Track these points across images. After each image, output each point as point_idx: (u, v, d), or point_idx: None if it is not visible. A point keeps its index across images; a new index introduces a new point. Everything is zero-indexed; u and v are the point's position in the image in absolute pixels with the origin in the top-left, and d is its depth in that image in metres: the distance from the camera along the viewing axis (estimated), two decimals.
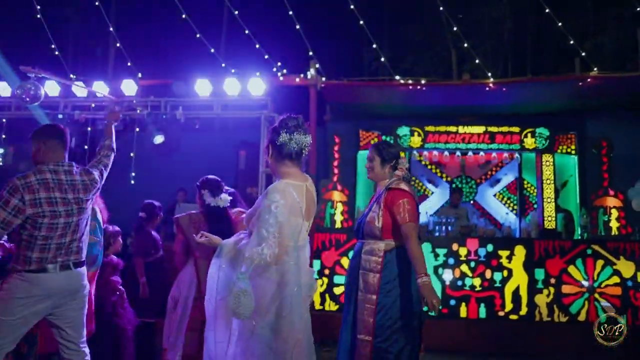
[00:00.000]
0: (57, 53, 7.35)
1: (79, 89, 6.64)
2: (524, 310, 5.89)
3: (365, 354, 3.06)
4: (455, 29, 8.02)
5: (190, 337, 3.71)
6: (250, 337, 2.42)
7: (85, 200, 3.03)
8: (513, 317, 5.90)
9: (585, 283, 5.88)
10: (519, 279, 5.95)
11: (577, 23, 11.64)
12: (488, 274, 5.98)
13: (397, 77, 7.32)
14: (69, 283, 2.93)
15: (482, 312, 5.92)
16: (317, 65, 6.84)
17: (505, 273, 5.97)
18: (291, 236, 2.48)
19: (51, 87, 6.53)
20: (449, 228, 7.27)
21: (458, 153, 8.41)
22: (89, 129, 6.62)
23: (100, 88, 6.55)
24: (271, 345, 2.42)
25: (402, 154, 3.39)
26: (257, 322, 2.41)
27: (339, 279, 6.04)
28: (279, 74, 6.89)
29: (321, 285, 6.09)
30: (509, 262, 5.99)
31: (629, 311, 5.78)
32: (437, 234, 7.27)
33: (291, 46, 8.07)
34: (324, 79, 6.91)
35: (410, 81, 7.19)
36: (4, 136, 6.95)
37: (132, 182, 6.55)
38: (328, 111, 8.63)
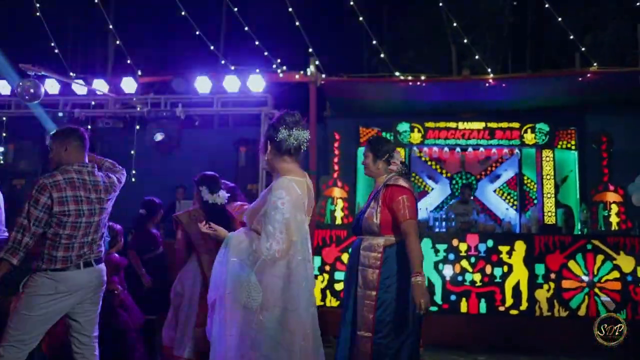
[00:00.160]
0: (56, 51, 7.35)
1: (79, 87, 6.65)
2: (524, 306, 5.90)
3: (365, 350, 3.06)
4: (455, 24, 8.00)
5: (200, 333, 3.73)
6: (257, 331, 2.43)
7: (106, 200, 3.13)
8: (513, 312, 5.91)
9: (586, 278, 5.89)
10: (519, 274, 5.96)
11: (577, 18, 11.62)
12: (488, 269, 5.99)
13: (397, 73, 7.31)
14: (91, 279, 3.03)
15: (483, 307, 5.93)
16: (317, 62, 6.84)
17: (506, 268, 5.98)
18: (297, 231, 2.50)
19: (51, 85, 6.54)
20: (452, 224, 7.27)
21: (458, 149, 8.41)
22: (89, 127, 6.63)
23: (100, 86, 6.56)
24: (278, 339, 2.44)
25: (398, 149, 3.39)
26: (265, 317, 2.43)
27: (340, 275, 6.05)
28: (279, 70, 6.89)
29: (322, 282, 6.10)
30: (509, 258, 6.00)
31: (629, 306, 5.78)
32: (437, 229, 7.28)
33: (291, 43, 8.06)
34: (323, 75, 6.91)
35: (410, 77, 7.18)
36: (4, 134, 6.96)
37: (133, 179, 6.56)
38: (328, 107, 8.64)
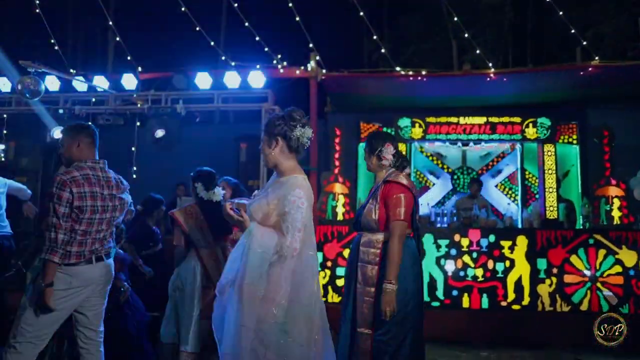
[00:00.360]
0: (56, 48, 7.33)
1: (79, 84, 6.64)
2: (526, 300, 5.90)
3: (365, 347, 3.06)
4: (455, 19, 7.96)
5: (204, 325, 3.73)
6: (271, 324, 2.45)
7: (117, 197, 3.17)
8: (515, 307, 5.91)
9: (588, 272, 5.88)
10: (521, 269, 5.96)
11: (578, 12, 11.57)
12: (490, 264, 5.99)
13: (398, 68, 7.29)
14: (103, 273, 3.08)
15: (485, 302, 5.93)
16: (318, 57, 6.82)
17: (508, 263, 5.98)
18: (310, 228, 2.57)
19: (51, 82, 6.53)
20: (454, 219, 7.26)
21: (459, 144, 8.39)
22: (90, 124, 6.60)
23: (101, 82, 6.54)
24: (291, 332, 2.46)
25: (388, 144, 3.29)
26: (278, 310, 2.45)
27: (341, 271, 6.05)
28: (279, 66, 6.87)
29: (324, 278, 6.10)
30: (511, 253, 5.99)
31: (631, 300, 5.78)
32: (438, 225, 7.27)
33: (291, 38, 8.03)
34: (324, 70, 6.89)
35: (410, 72, 7.16)
36: (4, 132, 6.95)
37: (134, 176, 6.56)
38: (328, 103, 8.61)
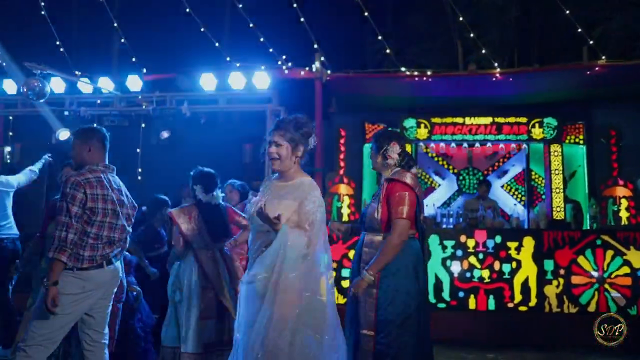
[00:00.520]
0: (62, 50, 7.35)
1: (85, 85, 6.65)
2: (533, 302, 5.85)
3: (368, 349, 3.01)
4: (461, 18, 7.92)
5: (203, 325, 3.72)
6: (298, 315, 2.54)
7: (125, 202, 3.19)
8: (522, 308, 5.86)
9: (595, 274, 5.83)
10: (528, 270, 5.90)
11: (584, 11, 11.49)
12: (497, 265, 5.94)
13: (403, 69, 7.27)
14: (113, 276, 3.09)
15: (491, 303, 5.89)
16: (322, 58, 6.81)
17: (514, 264, 5.93)
18: (325, 227, 2.75)
19: (57, 84, 6.55)
20: (460, 220, 7.22)
21: (465, 144, 8.35)
22: (95, 125, 6.62)
23: (106, 84, 6.55)
24: (311, 326, 2.55)
25: (394, 143, 3.25)
26: (304, 303, 2.55)
27: (346, 272, 6.03)
28: (284, 67, 6.87)
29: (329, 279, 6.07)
30: (518, 254, 5.94)
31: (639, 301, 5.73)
32: (444, 225, 7.23)
33: (296, 39, 8.03)
34: (329, 71, 6.87)
35: (416, 72, 7.13)
36: (10, 134, 6.97)
37: (139, 177, 6.56)
38: (333, 104, 8.59)
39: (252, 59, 7.03)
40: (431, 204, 8.12)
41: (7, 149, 7.39)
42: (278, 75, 6.74)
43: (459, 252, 6.00)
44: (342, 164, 8.43)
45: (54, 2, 8.56)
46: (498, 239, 6.00)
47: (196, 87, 6.53)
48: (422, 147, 8.51)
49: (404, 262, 3.07)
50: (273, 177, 2.88)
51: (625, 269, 5.80)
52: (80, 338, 3.08)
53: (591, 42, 7.12)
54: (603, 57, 6.73)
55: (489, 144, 8.28)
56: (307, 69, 6.79)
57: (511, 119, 8.02)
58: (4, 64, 6.50)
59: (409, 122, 8.14)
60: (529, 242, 5.96)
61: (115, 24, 7.86)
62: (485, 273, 5.94)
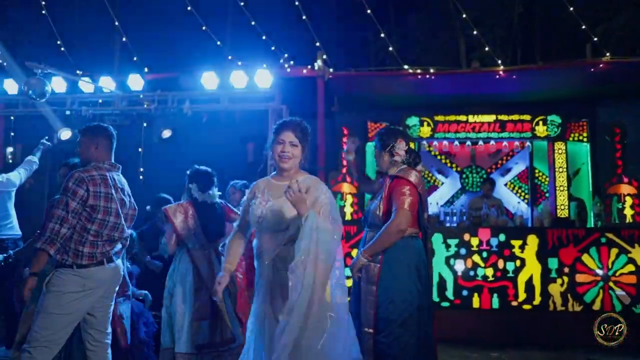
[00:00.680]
0: (62, 49, 7.33)
1: (86, 85, 6.63)
2: (537, 300, 5.82)
3: (368, 347, 3.00)
4: (464, 15, 7.88)
5: (198, 326, 3.69)
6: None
7: (128, 202, 3.18)
8: (526, 307, 5.83)
9: (600, 272, 5.79)
10: (532, 269, 5.88)
11: (587, 8, 11.43)
12: (500, 264, 5.91)
13: (406, 67, 7.23)
14: (114, 274, 3.08)
15: (495, 302, 5.86)
16: (325, 56, 6.78)
17: (518, 263, 5.90)
18: None
19: (58, 83, 6.53)
20: (464, 218, 7.18)
21: (468, 142, 8.30)
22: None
23: (107, 83, 6.53)
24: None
25: (400, 140, 3.25)
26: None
27: (349, 271, 6.00)
28: (286, 65, 6.84)
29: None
30: (522, 252, 5.92)
31: None
32: (447, 224, 7.20)
33: (298, 37, 8.00)
34: (331, 70, 6.84)
35: (419, 70, 7.09)
36: (12, 134, 6.96)
37: (141, 177, 6.55)
38: (336, 102, 8.55)
39: (254, 58, 7.01)
40: (434, 203, 8.08)
41: (10, 149, 7.38)
42: (280, 74, 6.72)
43: (463, 251, 5.97)
44: (344, 162, 8.38)
45: (55, 1, 8.54)
46: (502, 237, 5.97)
47: (198, 86, 6.51)
48: (425, 146, 8.48)
49: (405, 261, 3.05)
50: (268, 177, 2.85)
51: (630, 267, 5.77)
52: (83, 338, 3.06)
53: (595, 39, 7.06)
54: (607, 54, 6.68)
55: (492, 142, 8.24)
56: (309, 67, 6.76)
57: (515, 117, 7.97)
58: (5, 63, 6.49)
59: (412, 120, 8.10)
60: (533, 241, 5.93)
61: (117, 23, 7.85)
62: (489, 271, 5.91)
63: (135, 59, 7.08)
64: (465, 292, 5.90)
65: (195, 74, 6.54)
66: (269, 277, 2.64)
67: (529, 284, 5.86)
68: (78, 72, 7.13)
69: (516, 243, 5.94)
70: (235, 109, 6.74)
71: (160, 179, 7.16)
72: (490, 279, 5.90)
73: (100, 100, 6.70)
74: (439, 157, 8.63)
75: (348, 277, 5.98)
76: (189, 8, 7.08)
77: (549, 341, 5.62)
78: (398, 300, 2.98)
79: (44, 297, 2.89)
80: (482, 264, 5.93)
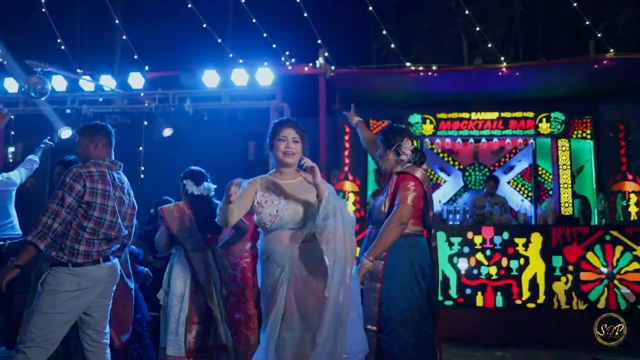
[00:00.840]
0: (63, 47, 7.31)
1: (86, 83, 6.61)
2: (541, 299, 5.78)
3: (371, 344, 2.93)
4: (467, 12, 7.83)
5: (191, 330, 3.66)
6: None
7: (127, 201, 3.13)
8: (530, 305, 5.79)
9: (604, 270, 5.75)
10: (536, 267, 5.83)
11: (590, 5, 11.36)
12: (504, 262, 5.87)
13: (408, 64, 7.19)
14: (110, 273, 3.03)
15: (499, 301, 5.82)
16: (326, 54, 6.74)
17: (522, 261, 5.85)
18: None
19: (58, 82, 6.51)
20: (467, 216, 7.15)
21: (471, 140, 8.26)
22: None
23: (107, 82, 6.51)
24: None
25: (407, 139, 3.21)
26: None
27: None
28: (287, 63, 6.81)
29: None
30: (526, 250, 5.87)
31: None
32: (450, 222, 7.16)
33: (299, 35, 7.96)
34: (333, 67, 6.81)
35: (421, 67, 7.05)
36: (12, 133, 6.94)
37: (142, 176, 6.52)
38: (337, 100, 8.52)
39: (255, 55, 6.98)
40: (437, 201, 8.04)
41: (11, 149, 7.35)
42: (281, 72, 6.70)
43: (466, 249, 5.93)
44: (346, 160, 8.36)
45: (56, 0, 8.51)
46: (505, 235, 5.93)
47: (199, 84, 6.48)
48: (428, 143, 8.43)
49: (409, 260, 3.02)
50: (267, 176, 2.81)
51: (635, 265, 5.72)
52: (80, 338, 3.03)
53: (599, 35, 7.01)
54: (611, 51, 6.63)
55: (495, 139, 8.19)
56: (310, 65, 6.74)
57: (518, 114, 7.92)
58: (5, 62, 6.47)
59: (415, 118, 8.06)
60: (536, 238, 5.88)
61: (117, 21, 7.82)
62: (493, 270, 5.87)
63: (136, 57, 7.05)
64: (468, 291, 5.86)
65: (196, 72, 6.52)
66: (286, 278, 2.60)
67: (533, 282, 5.81)
68: (78, 70, 7.11)
69: (520, 241, 5.89)
70: (237, 107, 6.72)
71: (161, 177, 7.13)
72: (494, 277, 5.86)
73: (100, 99, 6.68)
74: (441, 155, 8.59)
75: None
76: (189, 6, 7.04)
77: (553, 340, 5.57)
78: (399, 298, 2.95)
79: (39, 297, 2.85)
80: (486, 262, 5.89)
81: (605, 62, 6.59)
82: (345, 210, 2.59)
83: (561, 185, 7.81)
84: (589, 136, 8.04)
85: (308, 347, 2.52)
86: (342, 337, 2.50)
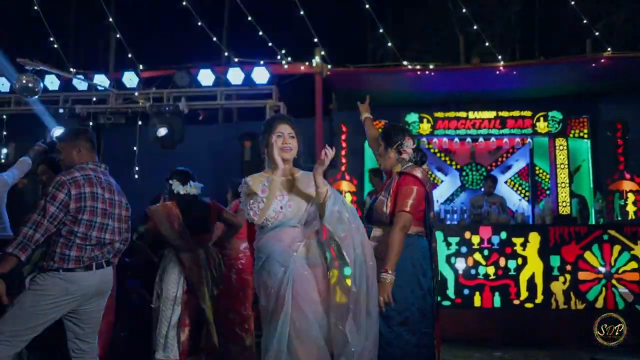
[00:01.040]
0: (55, 46, 7.22)
1: (80, 83, 6.54)
2: (539, 298, 5.75)
3: None
4: (464, 10, 7.78)
5: (182, 332, 3.61)
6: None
7: (118, 202, 3.07)
8: (528, 305, 5.76)
9: (602, 269, 5.73)
10: (534, 267, 5.80)
11: (588, 3, 11.35)
12: (502, 262, 5.84)
13: (405, 63, 7.15)
14: (103, 281, 2.96)
15: (497, 301, 5.79)
16: (323, 53, 6.69)
17: (520, 261, 5.83)
18: None
19: (51, 81, 6.46)
20: (464, 216, 7.11)
21: (468, 139, 8.23)
22: (91, 123, 6.50)
23: (101, 81, 6.45)
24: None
25: (408, 138, 3.18)
26: None
27: (348, 270, 5.92)
28: (283, 61, 6.75)
29: (331, 277, 5.97)
30: (524, 250, 5.84)
31: None
32: (448, 222, 7.12)
33: (295, 33, 7.90)
34: (329, 66, 6.76)
35: (418, 66, 7.02)
36: (4, 133, 6.86)
37: (136, 176, 6.45)
38: (334, 99, 8.47)
39: (251, 54, 6.91)
40: (434, 201, 7.99)
41: (4, 150, 7.26)
42: (278, 71, 6.65)
43: (464, 249, 5.90)
44: (343, 160, 8.31)
45: None
46: (503, 235, 5.90)
47: (194, 83, 6.43)
48: (424, 143, 8.39)
49: (410, 260, 2.99)
50: (263, 174, 2.76)
51: (633, 264, 5.71)
52: (68, 346, 2.97)
53: (597, 34, 6.98)
54: (609, 49, 6.61)
55: (493, 139, 8.15)
56: (307, 63, 6.68)
57: (515, 113, 7.89)
58: None
59: (412, 117, 8.01)
60: (534, 238, 5.86)
61: (111, 19, 7.74)
62: (491, 270, 5.84)
63: (130, 55, 6.97)
64: (466, 291, 5.83)
65: (191, 70, 6.46)
66: (291, 278, 2.55)
67: (531, 282, 5.79)
68: (72, 69, 7.02)
69: (518, 241, 5.86)
70: (232, 107, 6.67)
71: (156, 177, 7.08)
72: (492, 277, 5.83)
73: (94, 98, 6.62)
74: (438, 155, 8.55)
75: (347, 277, 5.90)
76: (184, 3, 6.98)
77: (551, 340, 5.55)
78: (399, 298, 2.92)
79: (23, 294, 2.79)
80: (484, 262, 5.86)
81: (603, 60, 6.57)
82: (344, 201, 2.66)
83: (559, 185, 7.78)
84: (586, 135, 8.02)
85: (321, 345, 2.50)
86: (372, 329, 2.59)
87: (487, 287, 5.82)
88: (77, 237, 2.82)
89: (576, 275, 5.74)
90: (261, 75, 6.23)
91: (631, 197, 7.27)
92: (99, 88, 6.44)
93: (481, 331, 5.70)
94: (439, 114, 7.99)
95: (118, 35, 7.44)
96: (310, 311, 2.53)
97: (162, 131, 6.32)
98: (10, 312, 2.74)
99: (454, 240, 5.92)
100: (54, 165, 3.69)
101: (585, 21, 6.94)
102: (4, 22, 10.92)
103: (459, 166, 8.51)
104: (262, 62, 6.43)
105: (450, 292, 5.82)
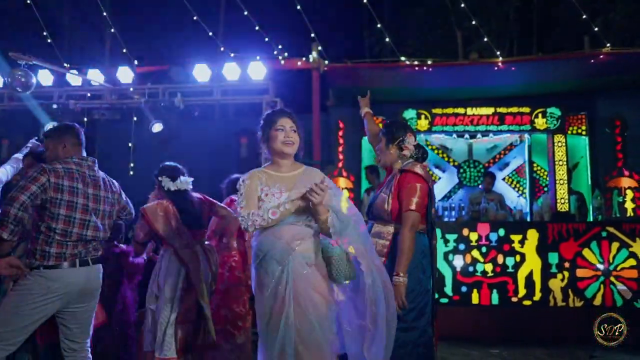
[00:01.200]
0: (49, 41, 7.14)
1: (74, 78, 6.46)
2: (537, 296, 5.73)
3: None
4: (462, 5, 7.73)
5: (181, 329, 3.56)
6: None
7: (105, 198, 3.02)
8: (527, 302, 5.73)
9: (601, 266, 5.71)
10: (532, 264, 5.78)
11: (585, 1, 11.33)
12: (500, 259, 5.81)
13: (403, 59, 7.10)
14: (88, 280, 2.90)
15: (495, 298, 5.76)
16: (320, 48, 6.64)
17: (518, 258, 5.80)
18: None
19: (45, 76, 6.37)
20: (462, 213, 7.08)
21: (466, 135, 8.19)
22: (85, 119, 6.43)
23: (96, 76, 6.37)
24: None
25: (410, 134, 3.15)
26: None
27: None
28: (280, 57, 6.69)
29: None
30: (522, 247, 5.81)
31: None
32: (446, 219, 7.09)
33: (292, 28, 7.84)
34: (326, 62, 6.71)
35: (416, 62, 6.97)
36: None
37: (131, 172, 6.39)
38: (331, 96, 8.42)
39: (248, 49, 6.86)
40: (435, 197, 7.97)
41: None
42: (274, 66, 6.59)
43: (462, 246, 5.86)
44: (340, 156, 8.26)
45: None
46: (501, 232, 5.87)
47: (189, 78, 6.36)
48: (422, 140, 8.35)
49: (412, 255, 2.94)
50: (263, 169, 2.70)
51: (632, 262, 5.69)
52: (60, 345, 2.92)
53: (596, 29, 6.94)
54: (607, 45, 6.57)
55: (491, 135, 8.12)
56: (304, 59, 6.63)
57: (514, 109, 7.86)
58: None
59: (409, 113, 7.97)
60: (533, 235, 5.83)
61: (105, 14, 7.65)
62: (489, 267, 5.81)
63: (124, 50, 6.90)
64: (464, 288, 5.80)
65: (187, 66, 6.40)
66: (290, 278, 2.45)
67: (529, 279, 5.76)
68: (66, 64, 6.95)
69: (516, 238, 5.84)
70: (228, 102, 6.61)
71: (151, 174, 7.02)
72: (490, 274, 5.80)
73: (88, 94, 6.55)
74: (436, 152, 8.52)
75: None
76: None
77: (549, 337, 5.53)
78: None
79: (7, 296, 2.77)
80: (482, 259, 5.82)
81: (601, 57, 6.54)
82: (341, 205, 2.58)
83: (557, 182, 7.76)
84: (584, 132, 8.00)
85: (324, 348, 2.43)
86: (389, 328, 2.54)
87: (485, 285, 5.79)
88: (56, 234, 2.77)
89: (574, 272, 5.72)
90: (257, 70, 6.16)
91: (630, 194, 7.26)
92: (93, 83, 6.36)
93: (479, 328, 5.67)
94: (437, 110, 7.96)
95: (113, 30, 7.37)
96: (311, 311, 2.43)
97: (157, 127, 6.26)
98: None
99: (451, 237, 5.89)
100: (42, 159, 3.64)
101: (584, 17, 6.90)
102: None
103: (456, 163, 8.48)
104: (258, 58, 6.37)
105: (448, 290, 5.79)
